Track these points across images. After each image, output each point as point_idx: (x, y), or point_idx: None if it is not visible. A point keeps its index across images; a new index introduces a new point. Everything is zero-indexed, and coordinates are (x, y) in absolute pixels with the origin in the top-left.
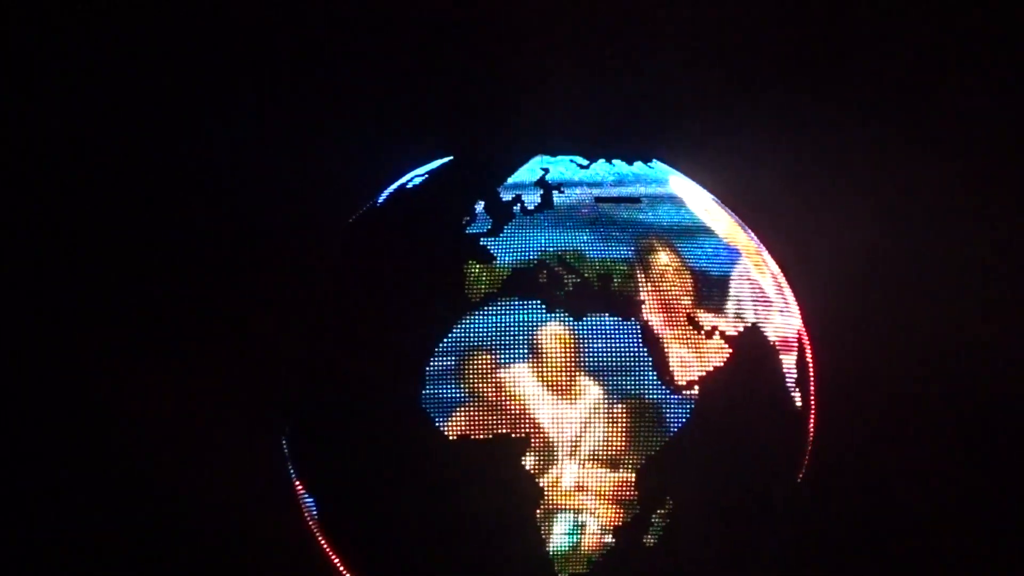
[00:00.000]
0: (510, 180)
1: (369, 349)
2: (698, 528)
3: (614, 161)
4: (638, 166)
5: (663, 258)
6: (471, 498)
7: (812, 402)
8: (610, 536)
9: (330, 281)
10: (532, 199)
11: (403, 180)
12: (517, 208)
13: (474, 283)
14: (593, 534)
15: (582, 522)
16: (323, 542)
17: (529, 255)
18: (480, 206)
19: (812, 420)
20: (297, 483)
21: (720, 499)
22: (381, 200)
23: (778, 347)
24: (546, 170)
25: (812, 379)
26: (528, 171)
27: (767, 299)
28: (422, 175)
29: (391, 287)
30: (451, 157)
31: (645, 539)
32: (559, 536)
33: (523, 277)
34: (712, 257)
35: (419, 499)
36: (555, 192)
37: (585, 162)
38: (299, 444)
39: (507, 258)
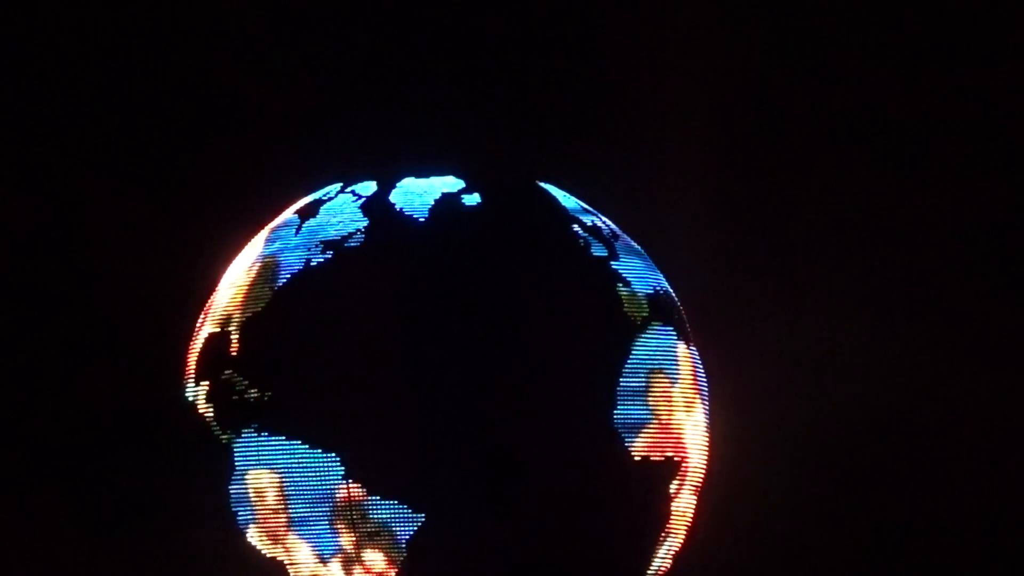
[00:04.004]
0: (567, 205)
1: (555, 366)
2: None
3: None
4: None
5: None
6: (618, 518)
7: None
8: (669, 562)
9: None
10: (604, 226)
11: (422, 198)
12: (607, 233)
13: (627, 306)
14: (664, 559)
15: (671, 547)
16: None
17: (648, 281)
18: (578, 229)
19: None
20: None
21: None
22: (427, 215)
23: None
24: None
25: None
26: (563, 197)
27: None
28: (470, 193)
29: (555, 307)
30: (455, 177)
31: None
32: (657, 560)
33: (656, 302)
34: None
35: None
36: (605, 219)
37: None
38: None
39: (637, 283)
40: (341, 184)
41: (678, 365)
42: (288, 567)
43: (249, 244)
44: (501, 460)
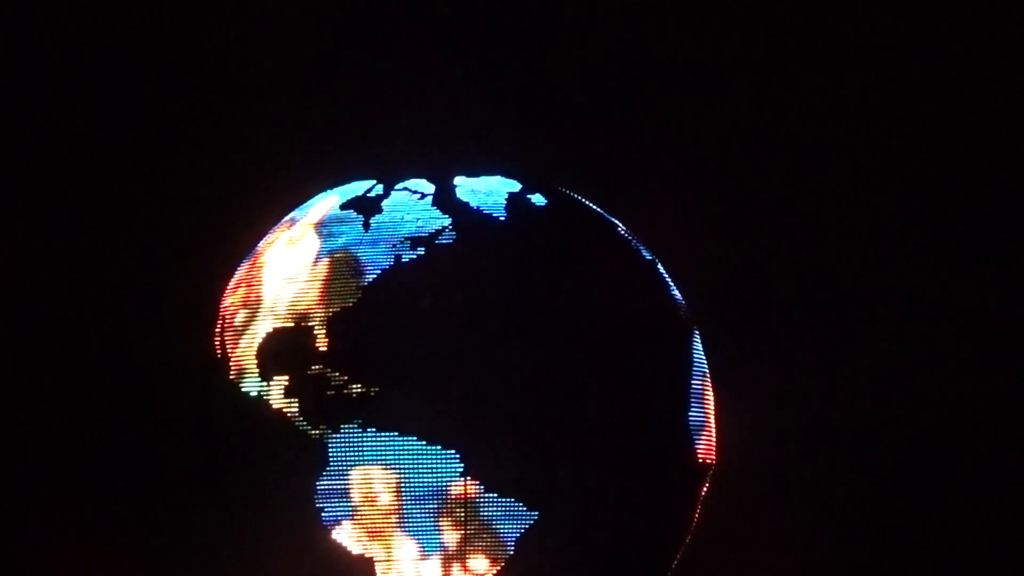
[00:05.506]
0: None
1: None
2: None
3: None
4: None
5: None
6: (687, 520)
7: None
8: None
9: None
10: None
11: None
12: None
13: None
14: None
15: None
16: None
17: (675, 286)
18: (623, 230)
19: None
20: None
21: None
22: (505, 215)
23: None
24: None
25: None
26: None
27: None
28: (532, 193)
29: (643, 310)
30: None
31: None
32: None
33: (686, 307)
34: None
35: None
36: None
37: None
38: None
39: (676, 287)
40: (377, 180)
41: (709, 369)
42: (381, 564)
43: (286, 239)
44: (614, 461)
